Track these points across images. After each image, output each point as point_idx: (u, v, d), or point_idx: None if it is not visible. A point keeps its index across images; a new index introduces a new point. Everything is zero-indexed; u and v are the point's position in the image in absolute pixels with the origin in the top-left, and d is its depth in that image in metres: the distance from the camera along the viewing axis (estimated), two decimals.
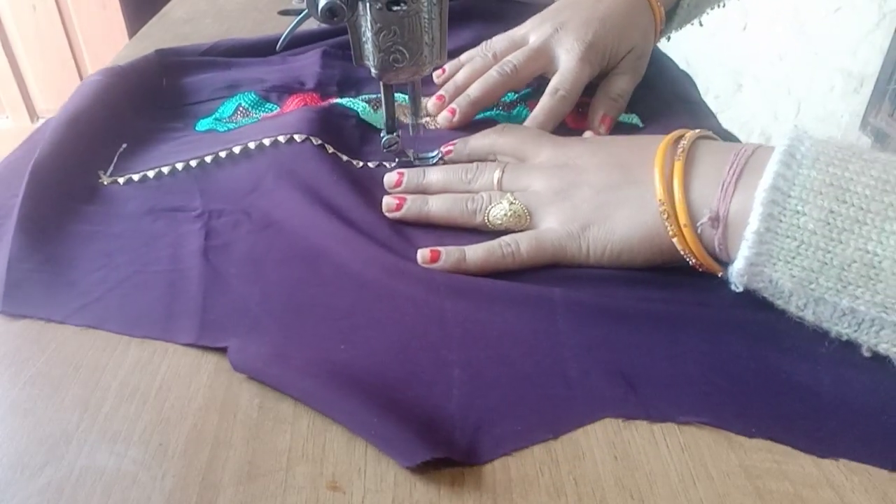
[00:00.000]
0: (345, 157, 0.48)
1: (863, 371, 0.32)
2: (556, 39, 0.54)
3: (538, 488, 0.27)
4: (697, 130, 0.39)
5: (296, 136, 0.47)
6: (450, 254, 0.39)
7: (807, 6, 1.41)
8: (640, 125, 0.54)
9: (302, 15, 0.44)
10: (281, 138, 0.48)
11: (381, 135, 0.48)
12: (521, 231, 0.40)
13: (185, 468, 0.28)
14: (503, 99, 0.57)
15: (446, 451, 0.28)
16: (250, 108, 0.57)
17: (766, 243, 0.32)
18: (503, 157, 0.46)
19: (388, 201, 0.43)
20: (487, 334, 0.34)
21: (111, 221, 0.43)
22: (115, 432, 0.29)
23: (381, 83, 0.46)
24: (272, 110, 0.56)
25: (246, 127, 0.53)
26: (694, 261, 0.37)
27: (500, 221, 0.41)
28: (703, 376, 0.32)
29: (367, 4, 0.41)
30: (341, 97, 0.56)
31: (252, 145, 0.48)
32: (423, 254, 0.39)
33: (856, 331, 0.32)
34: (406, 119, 0.51)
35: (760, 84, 1.57)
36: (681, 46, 0.71)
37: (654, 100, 0.57)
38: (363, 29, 0.42)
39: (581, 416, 0.30)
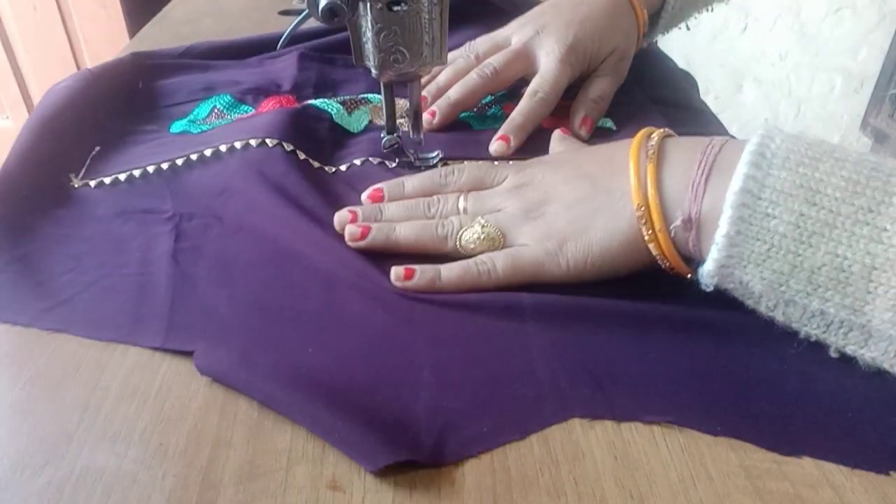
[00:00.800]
0: (316, 164, 0.48)
1: (829, 370, 0.32)
2: (537, 41, 0.54)
3: (538, 488, 0.27)
4: (662, 129, 0.38)
5: (267, 141, 0.47)
6: (424, 272, 0.37)
7: (807, 7, 1.41)
8: (614, 129, 0.54)
9: (302, 15, 0.45)
10: (252, 142, 0.47)
11: (382, 135, 0.48)
12: None
13: (185, 468, 0.28)
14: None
15: (410, 454, 0.28)
16: (225, 111, 0.56)
17: (737, 246, 0.32)
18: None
19: (351, 230, 0.40)
20: (457, 336, 0.34)
21: (81, 224, 0.43)
22: (116, 432, 0.29)
23: (381, 83, 0.46)
24: (247, 112, 0.56)
25: (218, 129, 0.52)
26: (667, 264, 0.36)
27: (473, 245, 0.39)
28: (670, 376, 0.32)
29: (368, 4, 0.41)
30: (317, 99, 0.56)
31: (223, 148, 0.47)
32: (396, 271, 0.37)
33: (825, 332, 0.32)
34: (381, 121, 0.50)
35: (761, 85, 1.57)
36: (681, 47, 0.71)
37: (630, 103, 0.56)
38: (363, 29, 0.42)
39: (549, 416, 0.30)
